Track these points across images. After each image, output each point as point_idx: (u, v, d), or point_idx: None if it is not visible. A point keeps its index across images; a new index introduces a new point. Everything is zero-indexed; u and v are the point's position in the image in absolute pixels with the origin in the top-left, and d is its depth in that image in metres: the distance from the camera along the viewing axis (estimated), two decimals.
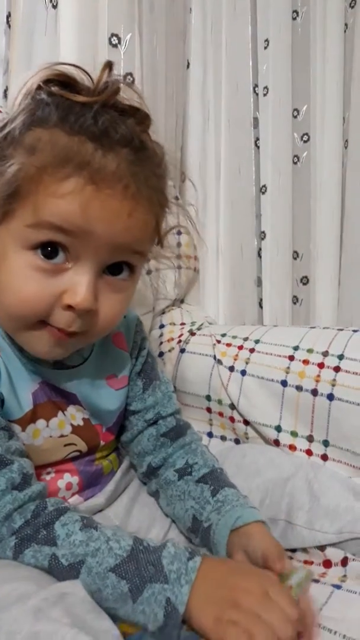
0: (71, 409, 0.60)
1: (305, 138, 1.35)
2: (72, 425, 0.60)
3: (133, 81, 0.97)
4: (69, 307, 0.48)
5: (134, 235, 0.50)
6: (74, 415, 0.60)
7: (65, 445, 0.59)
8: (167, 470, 0.64)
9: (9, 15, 0.89)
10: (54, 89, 0.49)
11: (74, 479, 0.61)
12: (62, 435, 0.59)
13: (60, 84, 0.50)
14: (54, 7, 0.92)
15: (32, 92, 0.49)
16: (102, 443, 0.63)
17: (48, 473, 0.59)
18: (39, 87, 0.49)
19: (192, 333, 0.93)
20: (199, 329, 0.94)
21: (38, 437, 0.57)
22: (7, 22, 0.89)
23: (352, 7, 1.36)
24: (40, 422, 0.57)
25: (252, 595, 0.44)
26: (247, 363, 0.80)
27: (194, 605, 0.43)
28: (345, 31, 1.35)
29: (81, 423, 0.61)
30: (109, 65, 0.50)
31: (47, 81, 0.50)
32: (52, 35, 0.93)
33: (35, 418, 0.56)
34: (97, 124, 0.47)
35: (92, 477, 0.63)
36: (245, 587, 0.45)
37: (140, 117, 0.52)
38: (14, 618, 0.39)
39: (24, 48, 0.90)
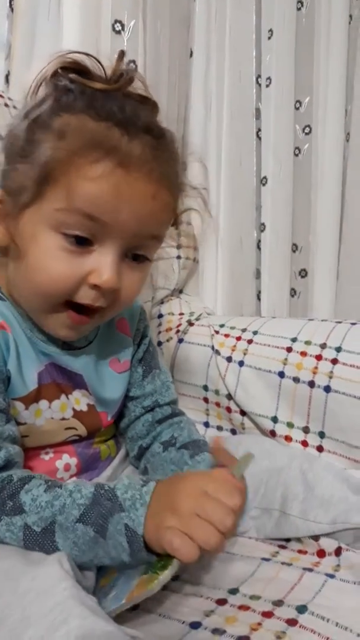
0: (76, 394, 0.61)
1: (307, 130, 1.35)
2: (74, 409, 0.61)
3: (136, 68, 0.96)
4: (95, 286, 0.51)
5: (157, 218, 0.53)
6: (79, 399, 0.61)
7: (65, 429, 0.60)
8: (154, 444, 0.66)
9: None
10: (73, 76, 0.51)
11: (72, 460, 0.62)
12: (63, 419, 0.60)
13: (74, 72, 0.51)
14: None
15: (47, 79, 0.51)
16: (102, 429, 0.65)
17: (47, 453, 0.60)
18: (55, 74, 0.51)
19: (190, 323, 0.93)
20: (197, 319, 0.94)
21: (40, 417, 0.58)
22: (10, 6, 0.88)
23: None
24: (43, 403, 0.58)
25: (188, 497, 0.45)
26: (244, 354, 0.81)
27: (147, 524, 0.45)
28: (349, 23, 1.34)
29: (85, 408, 0.62)
30: (122, 55, 0.53)
31: (63, 68, 0.51)
32: (55, 21, 0.92)
33: (39, 398, 0.57)
34: (122, 111, 0.50)
35: (89, 460, 0.63)
36: (183, 490, 0.46)
37: (151, 106, 0.54)
38: (5, 603, 0.39)
39: (27, 33, 0.90)
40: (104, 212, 0.49)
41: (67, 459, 0.61)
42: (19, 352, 0.55)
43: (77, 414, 0.61)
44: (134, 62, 0.96)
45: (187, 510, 0.44)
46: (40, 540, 0.47)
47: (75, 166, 0.48)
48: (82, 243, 0.50)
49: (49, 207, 0.50)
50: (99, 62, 0.52)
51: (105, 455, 0.66)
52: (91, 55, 0.52)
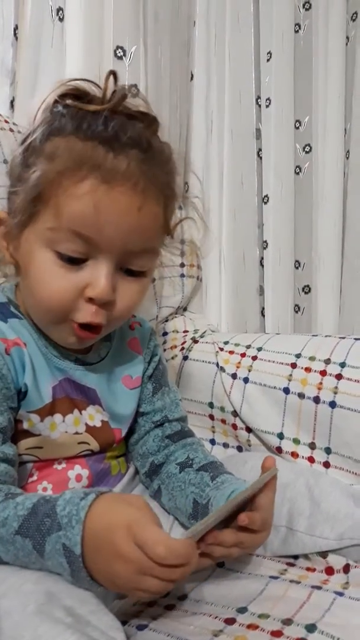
0: (91, 410, 0.62)
1: (307, 149, 1.37)
2: (87, 425, 0.62)
3: (138, 92, 0.98)
4: (90, 299, 0.53)
5: (145, 231, 0.54)
6: (93, 415, 0.62)
7: (78, 443, 0.61)
8: (169, 465, 0.66)
9: (16, 28, 0.90)
10: (69, 101, 0.53)
11: (84, 472, 0.62)
12: (76, 433, 0.61)
13: (74, 97, 0.53)
14: (61, 20, 0.93)
15: (50, 107, 0.54)
16: (114, 444, 0.66)
17: (59, 463, 0.61)
18: (56, 102, 0.54)
19: (195, 340, 0.93)
20: (201, 336, 0.94)
21: (55, 431, 0.59)
22: (15, 34, 0.90)
23: (354, 20, 1.38)
24: (58, 417, 0.59)
25: (128, 566, 0.43)
26: (249, 370, 0.81)
27: (86, 551, 0.44)
28: (346, 44, 1.37)
29: (98, 424, 0.63)
30: (112, 74, 0.54)
31: (63, 95, 0.54)
32: (58, 48, 0.94)
33: (54, 411, 0.59)
34: (107, 129, 0.51)
35: (100, 474, 0.64)
36: (122, 554, 0.43)
37: (149, 121, 0.55)
38: (16, 623, 0.39)
39: (31, 60, 0.92)
40: (89, 228, 0.51)
41: (78, 470, 0.62)
42: (35, 367, 0.57)
43: (89, 429, 0.62)
44: (135, 86, 0.98)
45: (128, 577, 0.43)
46: None
47: (62, 186, 0.50)
48: (75, 261, 0.53)
49: (42, 227, 0.52)
50: (98, 86, 0.54)
51: (115, 470, 0.67)
52: (90, 80, 0.55)
